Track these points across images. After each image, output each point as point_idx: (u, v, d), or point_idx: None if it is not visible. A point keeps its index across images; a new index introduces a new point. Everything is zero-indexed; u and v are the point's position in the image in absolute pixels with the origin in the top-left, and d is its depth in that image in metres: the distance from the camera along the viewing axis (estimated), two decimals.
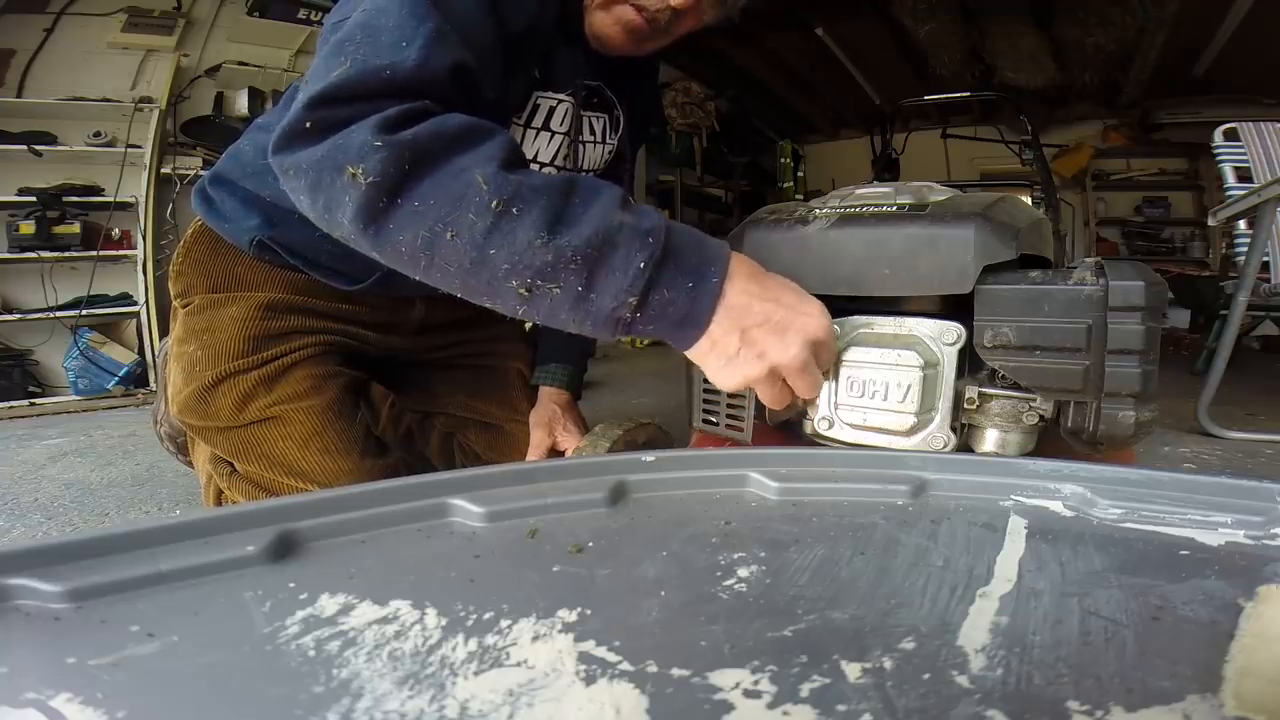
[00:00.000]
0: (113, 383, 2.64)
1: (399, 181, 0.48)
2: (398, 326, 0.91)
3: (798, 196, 5.62)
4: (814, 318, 0.52)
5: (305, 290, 0.82)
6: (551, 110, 0.77)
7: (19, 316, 2.62)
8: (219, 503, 0.82)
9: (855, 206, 0.63)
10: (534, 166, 0.80)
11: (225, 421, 0.76)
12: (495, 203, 0.47)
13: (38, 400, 2.53)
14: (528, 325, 1.05)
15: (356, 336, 0.87)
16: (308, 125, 0.50)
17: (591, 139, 0.85)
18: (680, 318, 0.50)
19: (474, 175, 0.48)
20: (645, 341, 4.64)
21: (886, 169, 3.94)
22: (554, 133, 0.79)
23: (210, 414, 0.76)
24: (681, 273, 0.49)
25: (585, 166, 0.86)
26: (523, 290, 0.49)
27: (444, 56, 0.54)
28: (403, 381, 0.99)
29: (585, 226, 0.47)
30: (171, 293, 0.85)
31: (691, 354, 0.53)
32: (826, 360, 0.56)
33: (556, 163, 0.82)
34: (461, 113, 0.54)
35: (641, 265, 0.47)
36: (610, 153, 0.89)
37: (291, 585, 0.31)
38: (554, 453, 0.90)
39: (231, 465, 0.79)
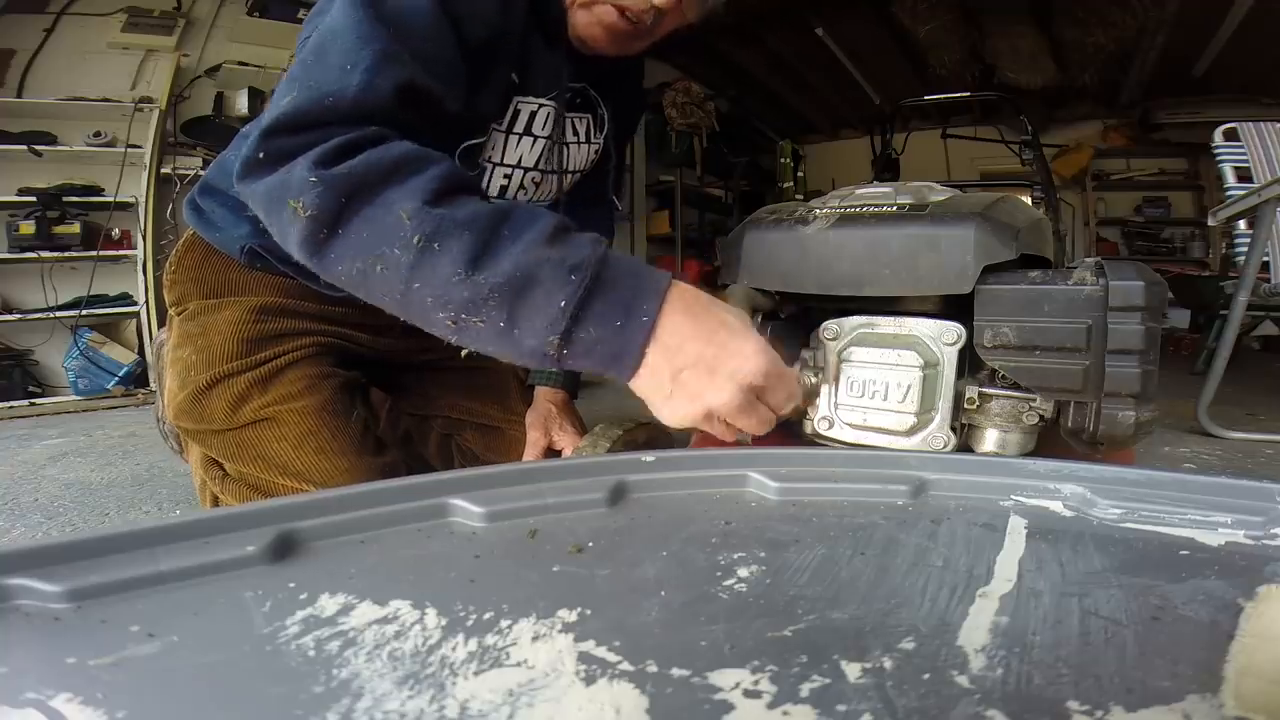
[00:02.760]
0: (113, 383, 2.64)
1: (335, 215, 0.49)
2: (390, 328, 0.91)
3: (798, 196, 5.62)
4: (749, 358, 0.50)
5: (298, 294, 0.82)
6: (533, 115, 0.77)
7: (19, 316, 2.62)
8: (215, 506, 0.81)
9: (855, 206, 0.63)
10: (518, 171, 0.81)
11: (220, 424, 0.76)
12: (417, 238, 0.48)
13: (38, 400, 2.53)
14: None
15: (350, 338, 0.87)
16: (260, 156, 0.52)
17: (575, 140, 0.85)
18: (610, 355, 0.49)
19: (400, 210, 0.48)
20: None
21: (886, 169, 3.94)
22: (536, 137, 0.79)
23: (205, 417, 0.76)
24: (610, 310, 0.48)
25: (570, 168, 0.86)
26: (449, 322, 0.50)
27: (389, 79, 0.54)
28: (400, 385, 0.99)
29: (506, 262, 0.47)
30: (167, 301, 0.86)
31: (632, 388, 0.52)
32: (779, 396, 0.53)
33: (540, 166, 0.82)
34: (416, 132, 0.54)
35: (563, 303, 0.47)
36: (596, 153, 0.89)
37: (291, 585, 0.31)
38: (551, 452, 0.90)
39: (224, 469, 0.80)
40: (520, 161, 0.80)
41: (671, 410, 0.51)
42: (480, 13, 0.65)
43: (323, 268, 0.52)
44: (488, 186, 0.79)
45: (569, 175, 0.87)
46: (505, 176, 0.80)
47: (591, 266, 0.48)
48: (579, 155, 0.87)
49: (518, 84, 0.74)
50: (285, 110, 0.52)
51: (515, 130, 0.77)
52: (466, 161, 0.75)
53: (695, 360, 0.49)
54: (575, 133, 0.85)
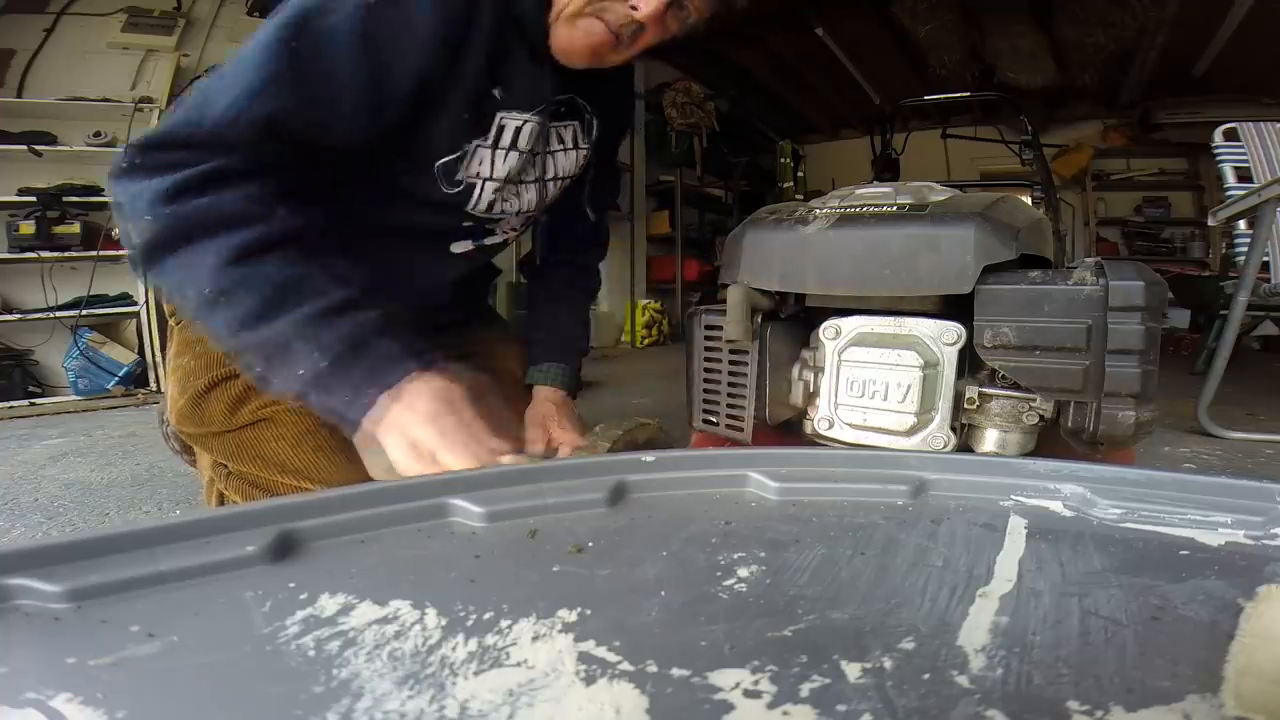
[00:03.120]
0: (113, 383, 2.64)
1: (161, 249, 0.58)
2: None
3: (798, 196, 5.62)
4: (415, 415, 0.59)
5: None
6: (518, 130, 0.78)
7: (19, 316, 2.62)
8: (221, 504, 0.82)
9: (855, 206, 0.63)
10: (503, 185, 0.81)
11: (219, 426, 0.77)
12: (210, 291, 0.57)
13: (38, 400, 2.53)
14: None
15: None
16: (126, 165, 0.58)
17: (561, 148, 0.87)
18: (337, 416, 0.61)
19: (209, 261, 0.57)
20: (646, 341, 4.65)
21: (886, 169, 3.94)
22: (520, 151, 0.80)
23: (205, 420, 0.77)
24: (340, 388, 0.59)
25: (558, 175, 0.88)
26: (222, 351, 0.64)
27: (260, 110, 0.59)
28: None
29: (270, 330, 0.58)
30: (166, 313, 0.87)
31: (355, 442, 0.62)
32: (454, 459, 0.58)
33: (522, 178, 0.84)
34: (291, 162, 0.62)
35: (302, 373, 0.58)
36: (585, 158, 0.90)
37: (291, 585, 0.31)
38: (550, 450, 0.90)
39: (228, 468, 0.80)
40: (508, 175, 0.81)
41: (367, 461, 0.62)
42: (407, 44, 0.65)
43: (149, 279, 0.61)
44: (478, 200, 0.80)
45: (557, 182, 0.88)
46: (495, 190, 0.81)
47: (335, 351, 0.59)
48: (566, 162, 0.88)
49: (500, 100, 0.75)
50: (161, 128, 0.59)
51: (502, 145, 0.78)
52: (446, 179, 0.76)
53: (392, 427, 0.59)
54: (561, 140, 0.86)
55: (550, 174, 0.87)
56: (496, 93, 0.75)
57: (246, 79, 0.59)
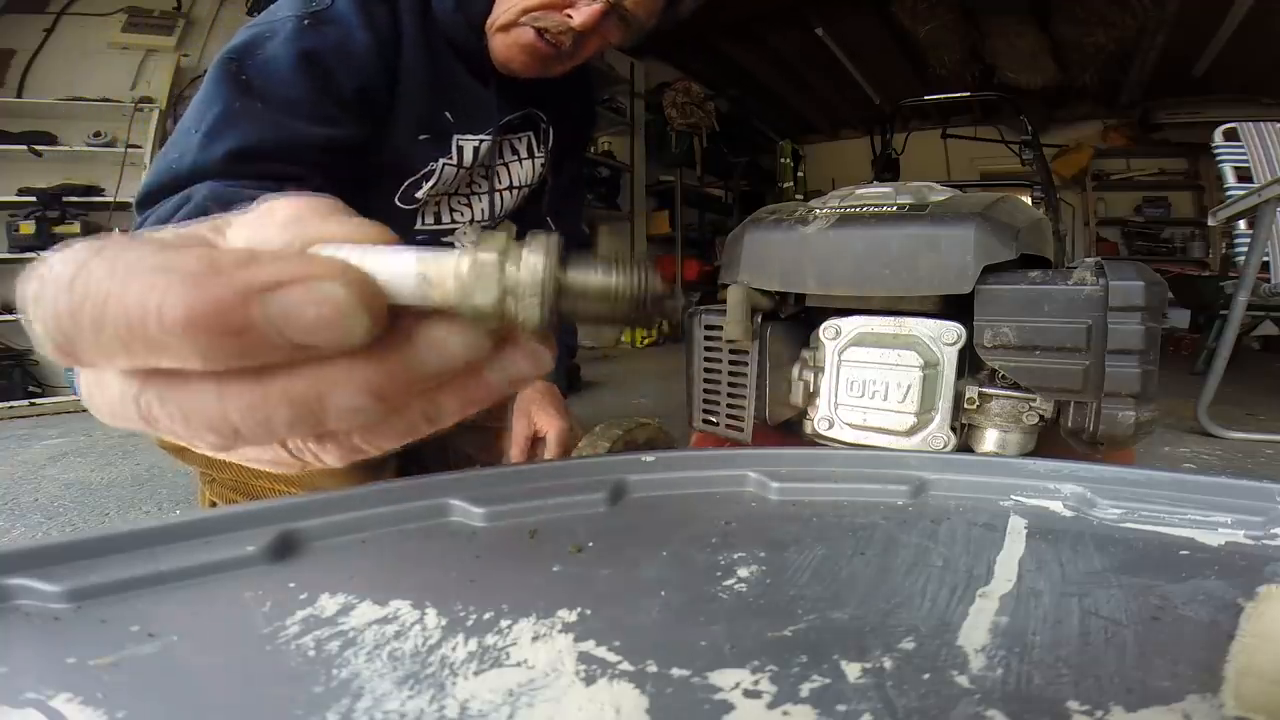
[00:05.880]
0: None
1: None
2: None
3: (798, 196, 5.62)
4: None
5: None
6: (476, 150, 0.80)
7: (19, 316, 2.62)
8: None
9: (855, 206, 0.63)
10: (449, 197, 0.83)
11: None
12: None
13: (38, 400, 2.53)
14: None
15: None
16: (137, 223, 0.63)
17: (515, 158, 0.88)
18: None
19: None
20: (646, 341, 4.65)
21: (886, 169, 3.94)
22: (465, 168, 0.82)
23: None
24: None
25: (511, 184, 0.89)
26: None
27: (220, 144, 0.60)
28: None
29: None
30: None
31: None
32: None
33: (472, 190, 0.86)
34: (262, 186, 0.62)
35: None
36: (543, 166, 0.92)
37: (291, 585, 0.31)
38: (536, 439, 0.91)
39: (212, 474, 0.82)
40: (444, 189, 0.83)
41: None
42: (359, 56, 0.66)
43: None
44: (422, 215, 0.82)
45: (512, 191, 0.90)
46: (436, 203, 0.82)
47: None
48: (521, 171, 0.89)
49: (453, 123, 0.77)
50: (145, 184, 0.63)
51: (464, 164, 0.80)
52: (404, 196, 0.77)
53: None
54: (515, 151, 0.87)
55: (503, 184, 0.88)
56: (449, 115, 0.76)
57: (209, 119, 0.61)
